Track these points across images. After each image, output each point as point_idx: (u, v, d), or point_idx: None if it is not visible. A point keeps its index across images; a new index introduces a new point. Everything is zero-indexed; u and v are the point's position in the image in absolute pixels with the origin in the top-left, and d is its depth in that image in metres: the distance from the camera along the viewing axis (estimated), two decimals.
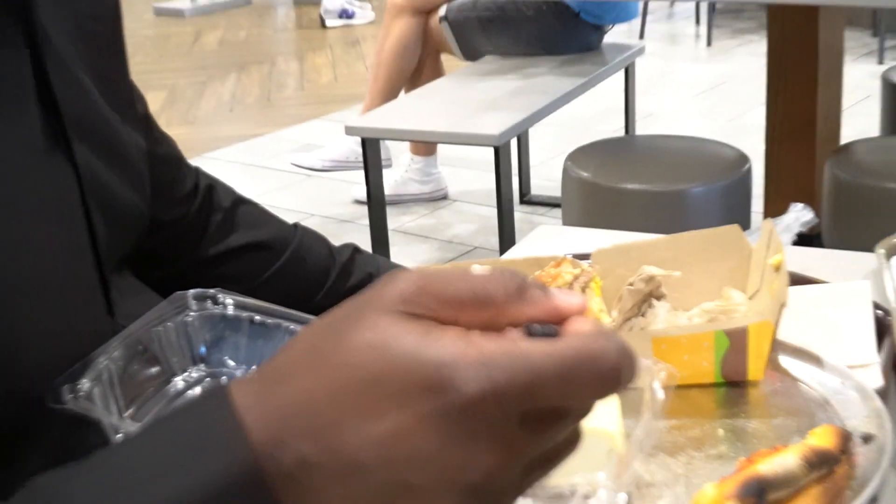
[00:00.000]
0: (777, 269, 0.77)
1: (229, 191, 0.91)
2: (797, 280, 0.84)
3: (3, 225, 0.57)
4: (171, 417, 0.46)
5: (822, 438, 0.61)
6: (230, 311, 0.69)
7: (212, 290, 0.69)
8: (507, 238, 2.63)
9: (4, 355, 0.56)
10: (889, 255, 0.88)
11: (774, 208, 2.57)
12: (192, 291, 0.68)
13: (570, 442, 0.42)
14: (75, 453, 0.59)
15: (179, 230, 0.86)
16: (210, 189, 0.89)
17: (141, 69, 5.35)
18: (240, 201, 0.91)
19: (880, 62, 4.77)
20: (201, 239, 0.87)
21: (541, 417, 0.39)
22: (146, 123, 0.82)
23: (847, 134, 2.78)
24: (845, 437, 0.62)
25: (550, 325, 0.39)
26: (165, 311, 0.68)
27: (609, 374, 0.38)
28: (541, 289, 0.41)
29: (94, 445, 0.58)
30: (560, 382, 0.37)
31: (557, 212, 2.89)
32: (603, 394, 0.39)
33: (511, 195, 2.72)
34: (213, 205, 0.88)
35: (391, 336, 0.38)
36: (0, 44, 0.62)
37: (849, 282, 0.89)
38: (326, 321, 0.41)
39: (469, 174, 3.60)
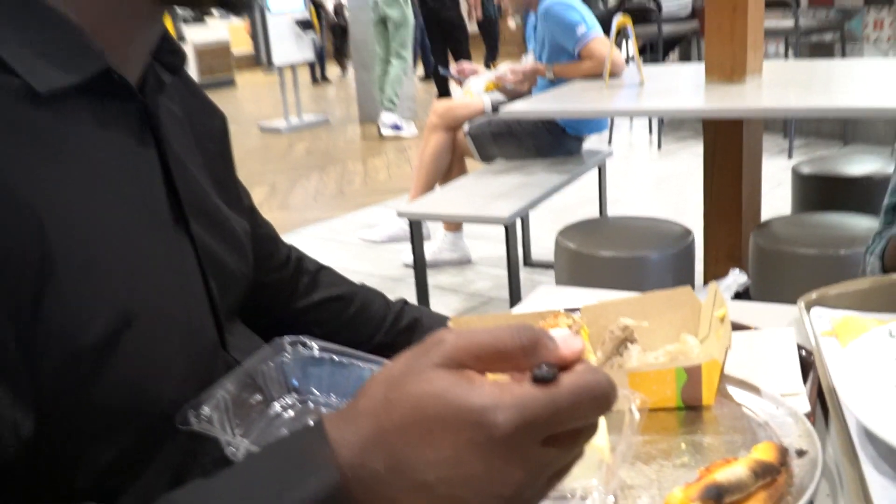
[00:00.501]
0: (722, 319, 0.75)
1: (313, 261, 0.91)
2: (736, 327, 0.83)
3: (141, 280, 0.56)
4: (279, 444, 0.47)
5: (764, 453, 0.59)
6: (316, 353, 0.68)
7: (302, 337, 0.68)
8: (514, 292, 2.63)
9: (144, 384, 0.56)
10: (808, 307, 0.86)
11: (713, 270, 2.55)
12: (287, 337, 0.67)
13: (576, 455, 0.43)
14: (196, 464, 0.59)
15: (276, 289, 0.85)
16: (299, 260, 0.89)
17: (250, 171, 5.43)
18: (321, 267, 0.91)
19: (790, 157, 4.74)
20: (293, 296, 0.87)
21: (558, 438, 0.41)
22: (251, 212, 0.82)
23: (766, 212, 2.75)
24: (783, 452, 0.60)
25: (553, 368, 0.40)
26: (267, 352, 0.67)
27: (603, 399, 0.40)
28: (549, 338, 0.42)
29: (212, 457, 0.59)
30: (571, 410, 0.40)
31: (552, 273, 2.88)
32: (600, 413, 0.41)
33: (517, 260, 2.71)
34: (302, 270, 0.88)
35: (443, 387, 0.40)
36: (138, 146, 0.61)
37: (776, 328, 0.86)
38: (392, 374, 0.43)
39: (486, 244, 3.59)
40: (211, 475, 0.44)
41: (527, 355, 0.41)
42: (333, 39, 10.52)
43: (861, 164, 2.89)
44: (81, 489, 0.53)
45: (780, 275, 2.13)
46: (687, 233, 2.32)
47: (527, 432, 0.39)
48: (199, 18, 10.61)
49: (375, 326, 0.90)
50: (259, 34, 6.95)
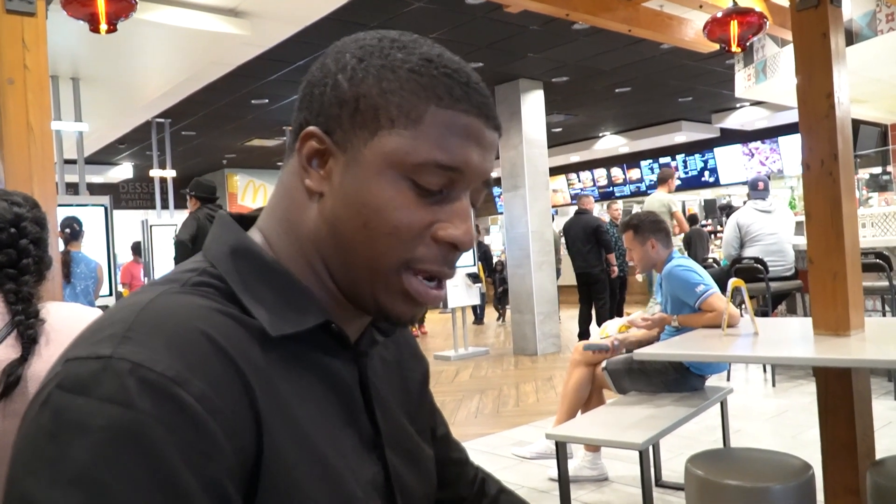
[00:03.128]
0: None
1: (496, 483, 0.84)
2: None
3: (337, 496, 0.54)
4: None
5: None
6: None
7: None
8: None
9: None
10: None
11: (832, 503, 2.29)
12: None
13: None
14: None
15: None
16: (483, 481, 0.83)
17: None
18: (501, 490, 0.83)
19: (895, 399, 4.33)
20: None
21: None
22: (446, 439, 0.79)
23: (879, 450, 2.48)
24: None
25: None
26: None
27: None
28: None
29: None
30: None
31: (680, 493, 2.69)
32: None
33: (651, 481, 2.54)
34: (484, 493, 0.82)
35: None
36: (349, 384, 0.61)
37: None
38: None
39: (622, 465, 3.40)
40: None
41: None
42: (495, 290, 10.77)
43: None
44: None
45: None
46: (807, 467, 2.12)
47: None
48: None
49: None
50: None
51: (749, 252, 5.30)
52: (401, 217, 0.55)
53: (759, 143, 11.99)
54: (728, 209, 6.87)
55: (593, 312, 7.57)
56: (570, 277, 8.37)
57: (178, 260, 4.94)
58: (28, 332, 1.04)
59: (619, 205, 9.42)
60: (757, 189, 5.48)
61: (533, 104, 7.74)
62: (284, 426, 0.52)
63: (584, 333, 7.45)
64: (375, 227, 0.55)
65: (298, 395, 0.55)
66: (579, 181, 14.72)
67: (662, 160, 13.26)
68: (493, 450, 3.98)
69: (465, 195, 0.58)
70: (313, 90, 0.59)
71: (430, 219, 0.57)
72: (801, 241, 5.23)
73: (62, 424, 0.44)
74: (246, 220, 0.64)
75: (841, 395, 2.24)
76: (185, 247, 4.77)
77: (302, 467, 0.52)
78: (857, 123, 8.07)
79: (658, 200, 6.78)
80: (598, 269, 7.50)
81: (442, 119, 0.55)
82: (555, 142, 12.15)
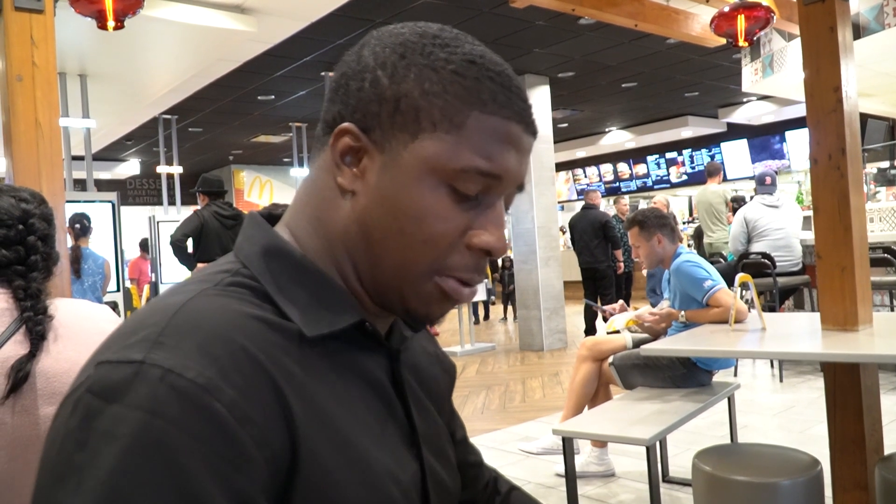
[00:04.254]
0: None
1: (507, 480, 0.84)
2: None
3: (375, 493, 0.54)
4: None
5: None
6: None
7: None
8: None
9: None
10: None
11: (841, 498, 2.28)
12: None
13: None
14: None
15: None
16: (495, 480, 0.83)
17: None
18: (512, 489, 0.83)
19: None
20: None
21: None
22: (464, 443, 0.80)
23: (887, 445, 2.47)
24: None
25: None
26: None
27: None
28: None
29: None
30: None
31: (688, 489, 2.68)
32: None
33: (657, 477, 2.54)
34: (496, 491, 0.81)
35: None
36: (384, 382, 0.60)
37: None
38: None
39: (628, 460, 3.39)
40: None
41: None
42: (504, 288, 10.67)
43: None
44: None
45: None
46: (815, 462, 2.11)
47: None
48: None
49: None
50: None
51: (756, 247, 5.28)
52: (439, 226, 0.54)
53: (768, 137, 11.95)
54: (741, 202, 6.84)
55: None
56: (574, 273, 8.36)
57: (178, 258, 4.87)
58: (37, 328, 1.04)
59: (626, 200, 9.40)
60: (764, 184, 5.46)
61: (539, 99, 7.71)
62: (321, 431, 0.51)
63: (590, 329, 7.48)
64: (412, 234, 0.54)
65: (336, 396, 0.54)
66: (585, 176, 14.68)
67: (669, 155, 13.21)
68: (499, 445, 3.98)
69: (499, 201, 0.58)
70: (349, 83, 0.57)
71: (465, 226, 0.56)
72: (809, 235, 5.21)
73: (91, 431, 0.44)
74: (274, 218, 0.63)
75: (849, 390, 2.23)
76: (178, 246, 4.73)
77: (341, 471, 0.51)
78: (864, 117, 8.01)
79: (714, 192, 6.86)
80: (605, 264, 7.50)
81: (485, 125, 0.54)
82: (561, 137, 12.12)
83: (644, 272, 8.50)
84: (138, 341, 0.47)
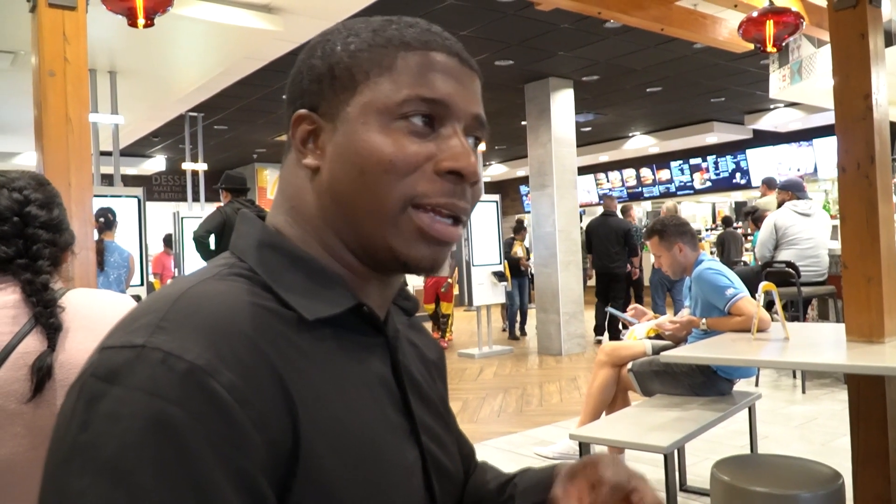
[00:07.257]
0: None
1: (493, 469, 0.82)
2: None
3: (376, 480, 0.54)
4: None
5: None
6: None
7: None
8: None
9: None
10: None
11: None
12: None
13: None
14: None
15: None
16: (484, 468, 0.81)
17: (448, 387, 5.50)
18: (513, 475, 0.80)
19: None
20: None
21: None
22: (458, 434, 0.79)
23: None
24: None
25: None
26: None
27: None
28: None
29: None
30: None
31: (705, 499, 2.65)
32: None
33: (675, 486, 2.52)
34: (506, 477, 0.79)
35: None
36: (381, 367, 0.61)
37: None
38: None
39: (646, 468, 3.36)
40: None
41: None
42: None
43: None
44: None
45: None
46: (837, 475, 2.08)
47: None
48: None
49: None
50: (464, 280, 7.33)
51: (784, 255, 5.19)
52: (394, 152, 0.56)
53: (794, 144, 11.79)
54: (753, 213, 6.76)
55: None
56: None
57: (200, 254, 4.92)
58: (50, 321, 1.03)
59: (636, 210, 9.47)
60: (801, 189, 5.39)
61: (562, 103, 7.70)
62: (322, 414, 0.52)
63: (600, 327, 7.71)
64: (371, 169, 0.56)
65: (336, 380, 0.55)
66: (608, 181, 14.60)
67: (693, 161, 13.09)
68: (515, 448, 3.97)
69: (458, 131, 0.59)
70: (293, 87, 0.62)
71: (426, 152, 0.57)
72: (837, 245, 5.13)
73: (94, 413, 0.45)
74: (261, 219, 0.65)
75: (874, 403, 2.20)
76: (201, 242, 4.78)
77: (343, 455, 0.52)
78: (894, 126, 7.87)
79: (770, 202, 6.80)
80: (621, 269, 7.63)
81: (414, 60, 0.58)
82: (583, 141, 12.06)
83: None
84: (140, 326, 0.49)
